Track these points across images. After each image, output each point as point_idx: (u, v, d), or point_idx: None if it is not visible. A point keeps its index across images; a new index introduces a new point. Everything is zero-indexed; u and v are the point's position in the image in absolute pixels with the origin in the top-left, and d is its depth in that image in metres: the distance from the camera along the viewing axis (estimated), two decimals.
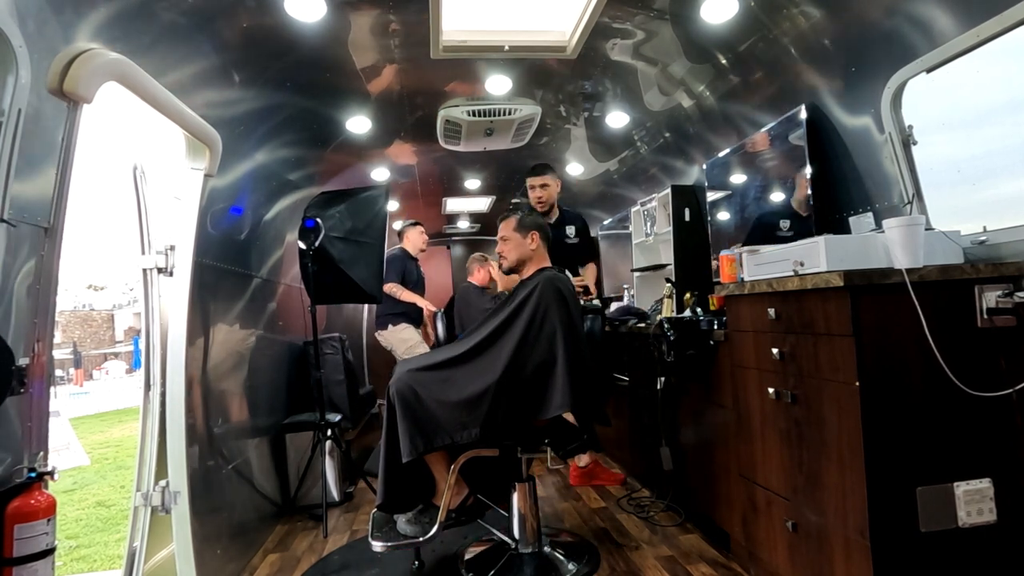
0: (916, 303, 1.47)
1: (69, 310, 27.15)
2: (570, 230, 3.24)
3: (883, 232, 1.62)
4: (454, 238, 6.88)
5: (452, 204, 5.38)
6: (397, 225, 4.61)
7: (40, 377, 1.35)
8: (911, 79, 1.80)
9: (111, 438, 7.97)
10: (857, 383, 1.47)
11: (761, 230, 2.51)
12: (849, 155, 2.13)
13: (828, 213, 2.22)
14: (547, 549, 2.27)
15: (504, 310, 2.18)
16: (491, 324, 2.16)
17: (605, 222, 4.94)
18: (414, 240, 4.32)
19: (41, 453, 1.35)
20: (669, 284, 3.04)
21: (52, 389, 1.67)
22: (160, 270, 2.10)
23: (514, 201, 5.18)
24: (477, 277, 4.09)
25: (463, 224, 6.29)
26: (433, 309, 3.90)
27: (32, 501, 1.25)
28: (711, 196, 3.00)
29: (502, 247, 2.35)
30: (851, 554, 1.53)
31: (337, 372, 3.84)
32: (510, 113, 3.01)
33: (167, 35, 1.74)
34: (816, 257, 1.62)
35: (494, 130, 3.18)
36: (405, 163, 3.96)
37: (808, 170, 2.21)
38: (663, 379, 2.68)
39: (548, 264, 2.32)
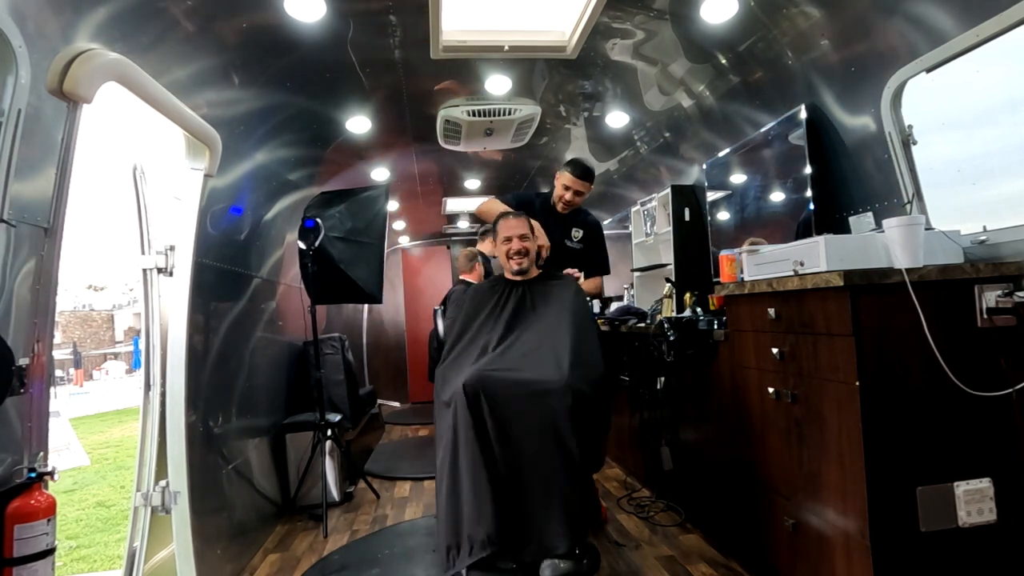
0: (916, 303, 1.47)
1: (69, 310, 27.14)
2: (576, 233, 2.85)
3: (883, 232, 1.62)
4: (454, 238, 6.89)
5: (452, 204, 5.38)
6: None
7: (40, 377, 1.35)
8: (911, 79, 1.80)
9: (111, 438, 7.97)
10: (857, 383, 1.47)
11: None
12: (849, 155, 2.13)
13: (828, 213, 2.21)
14: None
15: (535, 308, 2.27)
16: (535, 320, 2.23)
17: (605, 222, 4.94)
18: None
19: (41, 453, 1.35)
20: (669, 284, 3.04)
21: (52, 389, 1.67)
22: (160, 270, 2.10)
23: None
24: (473, 275, 4.10)
25: (463, 224, 6.30)
26: None
27: (32, 501, 1.25)
28: (711, 196, 3.00)
29: (525, 244, 2.38)
30: (851, 554, 1.53)
31: (337, 372, 3.84)
32: (510, 113, 3.01)
33: (167, 35, 1.74)
34: (816, 257, 1.62)
35: (494, 130, 3.18)
36: (405, 163, 3.97)
37: (808, 170, 2.21)
38: (663, 379, 2.68)
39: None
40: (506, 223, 2.43)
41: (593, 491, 2.06)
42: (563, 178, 2.73)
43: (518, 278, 2.43)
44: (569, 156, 3.94)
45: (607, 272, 2.96)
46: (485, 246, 4.06)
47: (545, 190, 3.33)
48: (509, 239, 2.39)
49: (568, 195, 2.73)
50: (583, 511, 1.99)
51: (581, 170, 2.71)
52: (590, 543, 2.40)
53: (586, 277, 2.83)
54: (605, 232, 5.03)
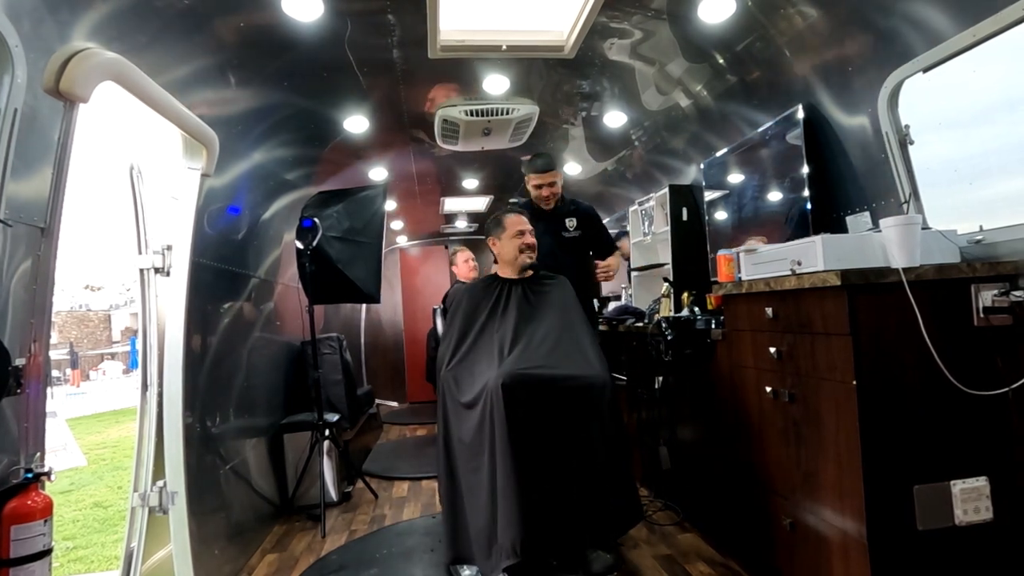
0: (913, 302, 1.47)
1: (66, 310, 27.09)
2: (569, 222, 2.91)
3: (880, 231, 1.63)
4: (452, 238, 6.89)
5: (450, 204, 5.38)
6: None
7: (36, 377, 1.34)
8: (908, 79, 1.80)
9: (108, 439, 7.95)
10: (854, 382, 1.48)
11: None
12: (846, 154, 2.13)
13: (825, 212, 2.22)
14: None
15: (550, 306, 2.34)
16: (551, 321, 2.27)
17: (603, 221, 4.93)
18: (461, 270, 4.19)
19: (38, 454, 1.35)
20: (667, 283, 3.04)
21: (49, 390, 1.66)
22: (157, 270, 2.10)
23: (511, 200, 5.18)
24: (463, 273, 4.12)
25: (461, 224, 6.29)
26: None
27: (29, 502, 1.25)
28: (709, 195, 3.00)
29: (533, 240, 2.43)
30: (849, 552, 1.54)
31: (335, 372, 3.84)
32: (508, 113, 3.01)
33: (164, 34, 1.74)
34: (813, 256, 1.62)
35: (492, 130, 3.18)
36: (403, 163, 3.96)
37: (805, 169, 2.21)
38: (661, 378, 2.69)
39: None
40: (516, 218, 2.44)
41: (634, 481, 2.08)
42: (531, 180, 2.83)
43: (515, 276, 2.43)
44: (565, 156, 3.95)
45: (615, 249, 3.05)
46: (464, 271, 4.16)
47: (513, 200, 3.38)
48: (523, 232, 2.42)
49: (544, 191, 2.82)
50: (628, 502, 2.02)
51: (542, 163, 2.79)
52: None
53: (596, 258, 2.96)
54: None
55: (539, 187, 2.81)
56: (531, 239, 2.43)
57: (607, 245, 3.02)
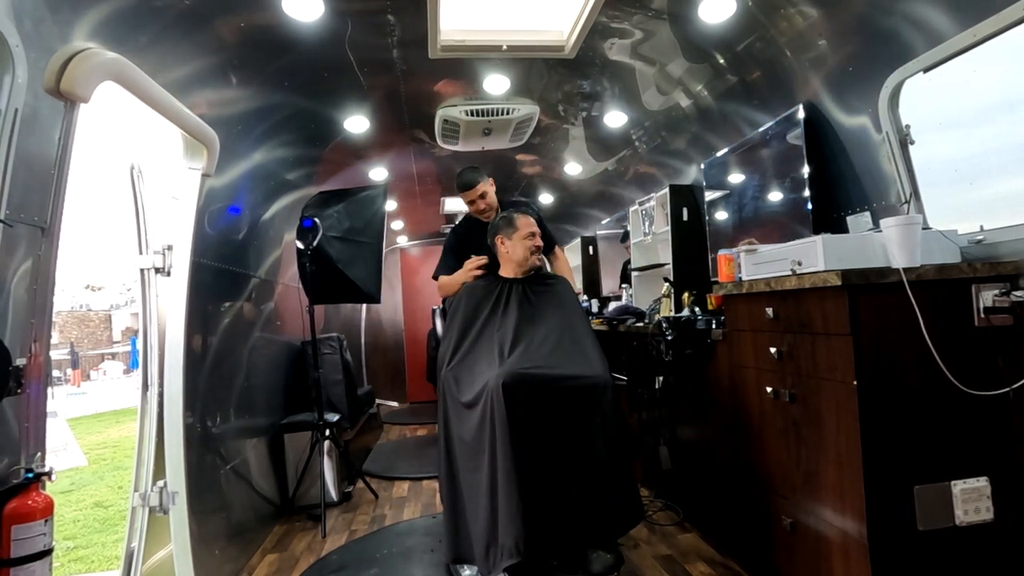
0: (913, 302, 1.47)
1: (66, 310, 27.11)
2: None
3: (880, 231, 1.63)
4: None
5: (450, 204, 5.38)
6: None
7: (37, 377, 1.34)
8: (908, 79, 1.80)
9: (109, 439, 7.95)
10: (855, 382, 1.48)
11: None
12: (847, 154, 2.13)
13: (826, 212, 2.22)
14: None
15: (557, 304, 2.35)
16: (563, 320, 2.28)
17: (603, 221, 4.94)
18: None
19: (38, 454, 1.35)
20: (667, 283, 3.04)
21: (49, 390, 1.66)
22: (158, 270, 2.10)
23: (512, 199, 5.18)
24: None
25: None
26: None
27: (29, 502, 1.25)
28: (709, 196, 3.00)
29: (538, 240, 2.44)
30: (849, 552, 1.54)
31: (335, 372, 3.84)
32: (508, 113, 3.01)
33: (165, 34, 1.74)
34: (814, 256, 1.62)
35: (492, 130, 3.18)
36: (403, 163, 3.96)
37: (806, 169, 2.21)
38: (661, 378, 2.69)
39: None
40: (528, 219, 2.45)
41: (635, 481, 2.08)
42: (461, 198, 2.83)
43: (517, 276, 2.44)
44: (566, 156, 3.95)
45: (555, 243, 3.00)
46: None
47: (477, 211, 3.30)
48: (533, 234, 2.43)
49: (479, 205, 2.78)
50: (629, 502, 2.02)
51: (459, 183, 2.78)
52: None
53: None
54: (600, 232, 5.06)
55: (470, 203, 2.81)
56: (540, 241, 2.45)
57: (549, 244, 2.92)
